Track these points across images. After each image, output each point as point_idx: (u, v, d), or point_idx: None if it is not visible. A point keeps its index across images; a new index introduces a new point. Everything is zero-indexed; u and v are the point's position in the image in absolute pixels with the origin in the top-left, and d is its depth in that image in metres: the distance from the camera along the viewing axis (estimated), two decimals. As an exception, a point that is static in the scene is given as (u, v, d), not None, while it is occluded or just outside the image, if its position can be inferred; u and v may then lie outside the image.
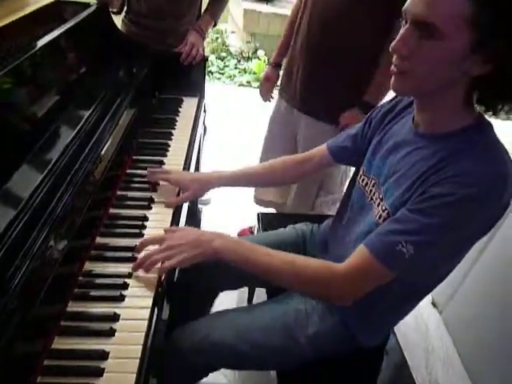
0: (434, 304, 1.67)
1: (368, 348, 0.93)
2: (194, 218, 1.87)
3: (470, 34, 0.61)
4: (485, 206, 0.66)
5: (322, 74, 1.41)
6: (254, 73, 4.08)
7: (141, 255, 0.83)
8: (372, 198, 0.85)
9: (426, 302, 1.66)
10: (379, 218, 0.79)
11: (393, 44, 0.68)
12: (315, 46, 1.39)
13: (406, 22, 0.66)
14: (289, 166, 1.09)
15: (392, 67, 0.70)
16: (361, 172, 0.93)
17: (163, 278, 0.83)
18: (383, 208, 0.79)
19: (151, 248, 0.84)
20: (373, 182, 0.86)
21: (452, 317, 1.59)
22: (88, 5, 1.36)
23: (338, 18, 1.29)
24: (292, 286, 0.86)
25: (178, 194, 1.06)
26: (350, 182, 0.99)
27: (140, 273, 0.81)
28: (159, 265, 0.81)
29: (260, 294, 1.36)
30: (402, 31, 0.67)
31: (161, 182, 1.06)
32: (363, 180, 0.91)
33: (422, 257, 0.69)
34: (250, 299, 1.65)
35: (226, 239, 0.84)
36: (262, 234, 1.25)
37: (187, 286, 1.07)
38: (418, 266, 0.71)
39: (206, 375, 0.99)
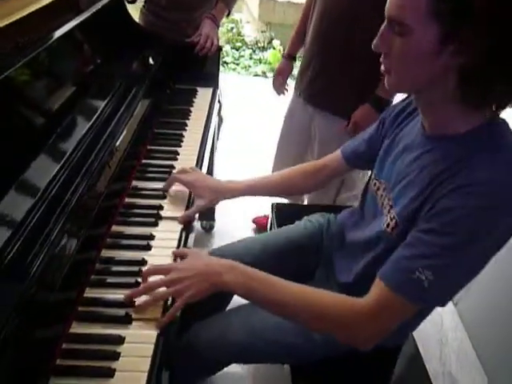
0: (449, 296, 1.66)
1: (387, 348, 0.90)
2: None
3: (436, 26, 0.59)
4: (499, 216, 0.62)
5: (334, 68, 1.40)
6: (269, 63, 4.05)
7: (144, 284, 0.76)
8: (383, 204, 0.82)
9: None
10: (387, 226, 0.76)
11: (373, 42, 0.67)
12: (328, 38, 1.38)
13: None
14: (303, 177, 1.05)
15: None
16: (373, 176, 0.90)
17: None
18: (392, 216, 0.75)
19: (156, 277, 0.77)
20: (383, 186, 0.84)
21: (467, 309, 1.58)
22: (103, -5, 1.37)
23: (350, 11, 1.28)
24: (310, 327, 0.79)
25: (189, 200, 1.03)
26: (366, 183, 0.96)
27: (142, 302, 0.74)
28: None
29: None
30: (380, 29, 0.67)
31: (173, 187, 1.03)
32: (375, 184, 0.88)
33: (443, 281, 0.64)
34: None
35: (238, 272, 0.74)
36: (277, 231, 1.21)
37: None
38: (441, 291, 0.66)
39: (220, 370, 1.00)
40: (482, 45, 0.57)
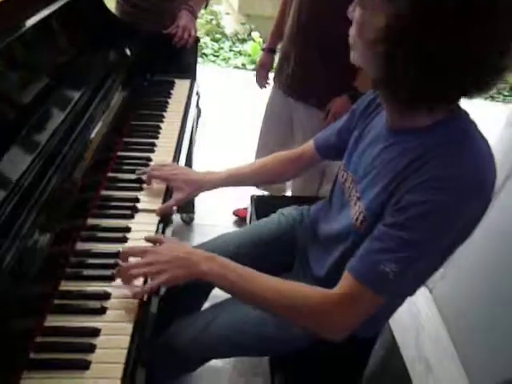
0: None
1: (364, 338, 0.92)
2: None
3: (387, 9, 0.59)
4: (461, 209, 0.63)
5: (312, 60, 1.41)
6: (249, 55, 4.04)
7: (123, 264, 0.76)
8: (350, 196, 0.82)
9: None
10: (356, 220, 0.77)
11: (348, 8, 0.68)
12: (305, 31, 1.38)
13: None
14: (282, 165, 1.06)
15: None
16: (341, 167, 0.90)
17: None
18: (360, 209, 0.76)
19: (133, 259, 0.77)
20: (350, 178, 0.84)
21: (442, 295, 1.62)
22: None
23: (327, 3, 1.29)
24: (283, 317, 0.79)
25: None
26: (336, 175, 0.95)
27: (120, 291, 0.75)
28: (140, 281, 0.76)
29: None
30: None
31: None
32: (343, 176, 0.88)
33: (407, 272, 0.66)
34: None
35: (215, 263, 0.75)
36: (251, 227, 1.21)
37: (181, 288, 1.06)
38: (405, 282, 0.68)
39: (201, 366, 1.00)
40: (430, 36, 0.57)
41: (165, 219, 0.95)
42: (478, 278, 1.45)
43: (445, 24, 0.55)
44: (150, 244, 0.83)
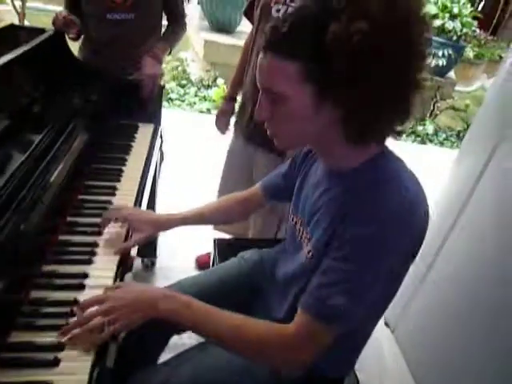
0: (386, 323, 1.72)
1: (331, 378, 0.93)
2: (149, 244, 1.84)
3: (309, 87, 0.65)
4: (389, 242, 0.67)
5: None
6: (214, 100, 4.15)
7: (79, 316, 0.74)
8: (301, 237, 0.86)
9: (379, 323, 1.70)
10: (306, 258, 0.80)
11: (255, 112, 0.73)
12: None
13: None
14: (232, 206, 1.10)
15: None
16: (290, 211, 0.94)
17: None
18: (309, 249, 0.79)
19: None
20: (300, 220, 0.87)
21: (404, 335, 1.64)
22: (43, 30, 1.36)
23: None
24: (239, 354, 0.80)
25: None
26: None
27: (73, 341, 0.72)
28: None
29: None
30: (258, 99, 0.72)
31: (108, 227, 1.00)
32: (293, 219, 0.92)
33: (355, 303, 0.69)
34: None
35: (171, 300, 0.76)
36: (212, 271, 1.19)
37: (139, 336, 0.99)
38: (356, 313, 0.70)
39: None
40: (354, 95, 0.63)
41: (123, 263, 0.93)
42: (437, 315, 1.49)
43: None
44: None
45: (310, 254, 0.78)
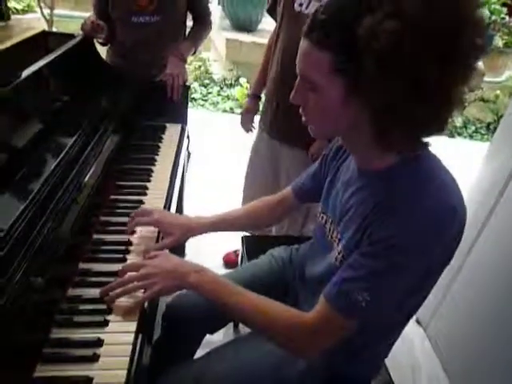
0: (418, 321, 1.69)
1: (359, 380, 0.92)
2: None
3: (340, 80, 0.65)
4: (426, 246, 0.66)
5: (293, 105, 1.46)
6: (237, 99, 4.17)
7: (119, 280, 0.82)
8: (332, 237, 0.85)
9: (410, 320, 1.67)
10: (335, 259, 0.79)
11: (291, 96, 0.73)
12: (288, 75, 1.44)
13: None
14: (263, 211, 1.09)
15: None
16: (320, 209, 0.93)
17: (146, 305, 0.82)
18: (339, 250, 0.78)
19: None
20: (330, 220, 0.87)
21: (436, 333, 1.61)
22: (73, 36, 1.40)
23: None
24: (258, 333, 0.83)
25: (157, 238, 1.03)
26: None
27: (116, 302, 0.80)
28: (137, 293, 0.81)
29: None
30: (296, 84, 0.72)
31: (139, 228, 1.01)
32: (322, 218, 0.91)
33: (379, 301, 0.69)
34: (236, 325, 1.64)
35: (203, 275, 0.82)
36: (241, 268, 1.22)
37: (174, 338, 1.05)
38: (378, 311, 0.70)
39: None
40: (380, 95, 0.61)
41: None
42: (469, 313, 1.46)
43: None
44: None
45: (341, 255, 0.77)
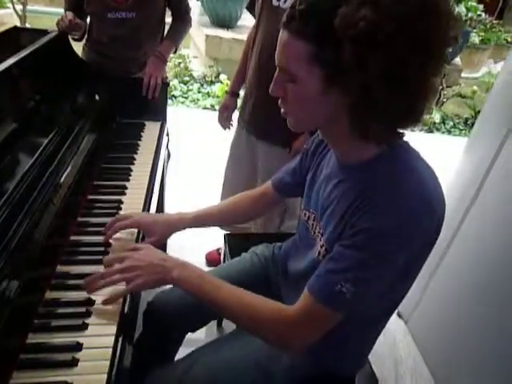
0: (399, 315, 1.71)
1: (346, 376, 0.93)
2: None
3: (319, 70, 0.65)
4: (407, 235, 0.66)
5: (273, 99, 1.46)
6: (217, 96, 4.14)
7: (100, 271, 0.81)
8: (315, 233, 0.85)
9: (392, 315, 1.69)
10: (318, 254, 0.79)
11: (270, 88, 0.72)
12: (266, 72, 1.43)
13: None
14: (246, 205, 1.09)
15: None
16: (302, 206, 0.93)
17: (126, 309, 0.81)
18: (322, 244, 0.79)
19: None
20: (313, 215, 0.87)
21: (418, 327, 1.63)
22: (46, 32, 1.36)
23: None
24: (243, 327, 0.83)
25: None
26: (299, 213, 0.98)
27: (99, 298, 0.79)
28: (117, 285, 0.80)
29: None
30: (274, 76, 0.72)
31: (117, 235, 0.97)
32: (305, 214, 0.91)
33: (363, 293, 0.69)
34: (219, 324, 1.64)
35: (186, 270, 0.81)
36: (224, 265, 1.22)
37: (156, 336, 1.04)
38: (362, 302, 0.71)
39: None
40: (357, 85, 0.62)
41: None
42: (450, 306, 1.48)
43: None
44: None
45: (323, 248, 0.78)
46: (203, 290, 0.79)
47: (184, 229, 1.03)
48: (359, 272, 0.68)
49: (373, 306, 0.77)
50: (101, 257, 0.90)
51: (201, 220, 1.04)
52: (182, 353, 0.98)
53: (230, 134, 1.76)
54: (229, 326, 1.54)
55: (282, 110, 0.74)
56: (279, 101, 0.74)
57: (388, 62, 0.59)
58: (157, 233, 0.98)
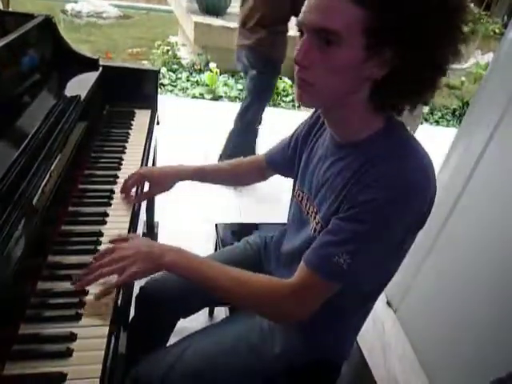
0: (388, 304, 1.74)
1: (337, 361, 0.95)
2: (151, 232, 1.84)
3: (362, 39, 0.63)
4: (408, 206, 0.67)
5: None
6: (207, 85, 4.10)
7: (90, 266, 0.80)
8: (308, 213, 0.86)
9: (381, 302, 1.72)
10: (314, 231, 0.80)
11: (295, 55, 0.67)
12: None
13: (302, 34, 0.67)
14: (243, 168, 1.13)
15: (296, 79, 0.70)
16: (296, 187, 0.94)
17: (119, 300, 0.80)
18: (317, 221, 0.80)
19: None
20: (307, 196, 0.88)
21: (406, 315, 1.66)
22: (32, 16, 1.32)
23: None
24: (241, 305, 0.84)
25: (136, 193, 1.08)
26: (291, 196, 0.99)
27: (92, 289, 0.79)
28: (110, 277, 0.79)
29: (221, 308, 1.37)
30: (301, 42, 0.67)
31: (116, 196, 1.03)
32: (299, 195, 0.91)
33: (361, 264, 0.70)
34: (211, 312, 1.64)
35: (178, 254, 0.80)
36: (216, 253, 1.23)
37: (148, 320, 1.05)
38: (360, 273, 0.72)
39: None
40: (398, 63, 0.64)
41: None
42: (438, 295, 1.51)
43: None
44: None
45: (319, 225, 0.78)
46: (198, 272, 0.79)
47: (187, 179, 1.09)
48: (356, 243, 0.69)
49: (366, 282, 0.79)
50: (93, 247, 0.90)
51: (203, 173, 1.10)
52: (173, 342, 0.99)
53: (221, 123, 1.75)
54: (220, 314, 1.54)
55: (306, 79, 0.68)
56: (297, 70, 0.68)
57: (430, 46, 0.63)
58: (163, 182, 1.07)
